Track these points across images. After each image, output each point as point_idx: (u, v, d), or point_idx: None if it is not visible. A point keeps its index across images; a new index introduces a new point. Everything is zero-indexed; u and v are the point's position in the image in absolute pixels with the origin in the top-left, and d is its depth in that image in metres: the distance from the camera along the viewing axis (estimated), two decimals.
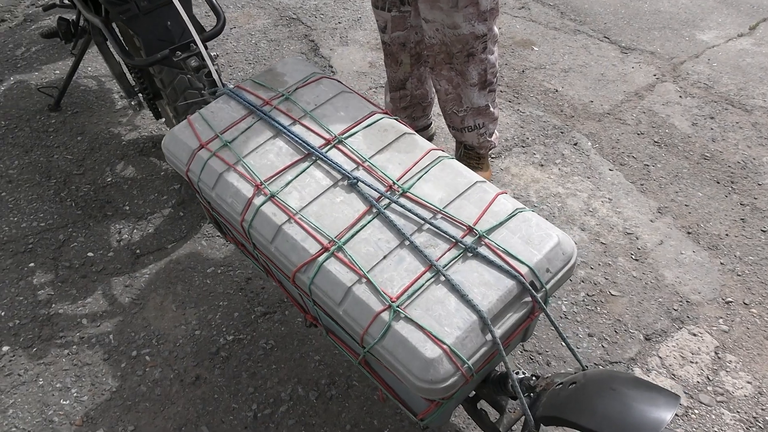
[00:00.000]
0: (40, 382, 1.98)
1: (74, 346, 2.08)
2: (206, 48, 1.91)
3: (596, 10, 3.82)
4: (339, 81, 1.84)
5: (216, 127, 1.73)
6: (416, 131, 2.78)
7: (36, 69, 3.42)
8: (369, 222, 1.49)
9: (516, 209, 1.48)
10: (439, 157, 1.61)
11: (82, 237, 2.47)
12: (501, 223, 1.46)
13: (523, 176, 2.73)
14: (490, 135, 2.64)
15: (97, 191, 2.67)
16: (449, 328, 1.31)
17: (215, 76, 1.89)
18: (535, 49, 3.51)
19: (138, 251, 2.41)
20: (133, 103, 2.65)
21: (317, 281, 1.44)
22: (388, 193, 1.54)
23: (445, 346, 1.29)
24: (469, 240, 1.43)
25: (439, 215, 1.49)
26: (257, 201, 1.57)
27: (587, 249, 2.40)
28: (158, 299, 2.22)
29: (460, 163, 1.61)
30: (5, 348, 2.09)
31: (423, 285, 1.37)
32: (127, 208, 2.60)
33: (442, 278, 1.38)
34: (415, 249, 1.43)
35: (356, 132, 1.68)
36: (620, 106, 3.10)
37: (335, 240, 1.46)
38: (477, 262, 1.40)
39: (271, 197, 1.56)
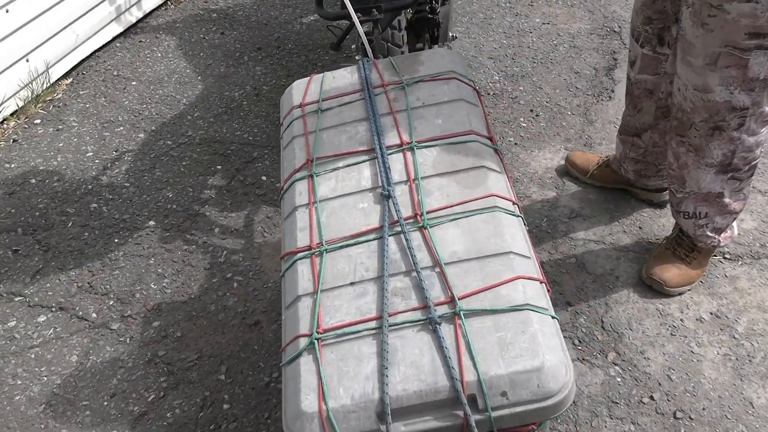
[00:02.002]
0: (150, 261, 2.26)
1: (193, 246, 2.32)
2: (373, 15, 1.86)
3: None
4: (473, 88, 1.62)
5: (324, 92, 1.69)
6: (644, 190, 2.36)
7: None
8: (366, 241, 1.31)
9: (525, 304, 1.15)
10: (494, 207, 1.32)
11: (268, 161, 2.69)
12: (491, 311, 1.15)
13: (749, 296, 2.08)
14: (716, 230, 2.06)
15: None
16: (344, 391, 1.10)
17: (365, 44, 1.83)
18: None
19: None
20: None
21: (287, 275, 1.34)
22: (408, 221, 1.32)
23: (324, 408, 1.09)
24: (440, 311, 1.16)
25: (437, 269, 1.23)
26: (298, 175, 1.50)
27: None
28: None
29: (512, 223, 1.30)
30: (151, 223, 2.42)
31: (358, 332, 1.17)
32: None
33: (382, 336, 1.15)
34: (381, 290, 1.21)
35: (435, 145, 1.47)
36: None
37: (323, 244, 1.33)
38: (429, 339, 1.14)
39: (310, 176, 1.48)
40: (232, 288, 2.18)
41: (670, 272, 2.11)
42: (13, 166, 2.71)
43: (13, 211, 2.49)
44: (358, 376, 1.11)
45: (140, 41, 3.55)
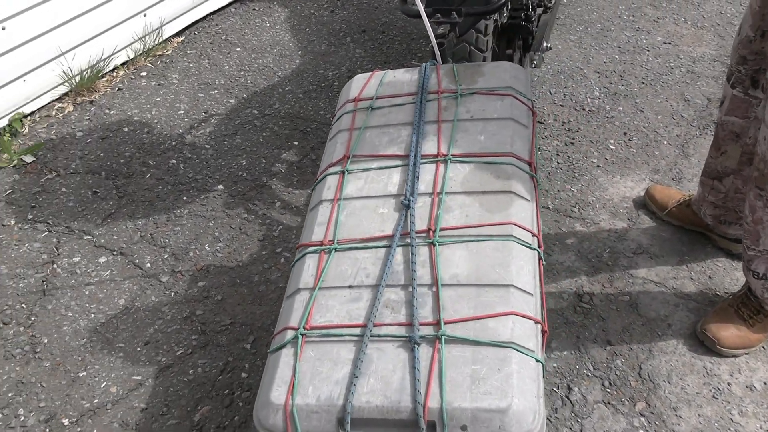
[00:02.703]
0: (210, 224, 2.38)
1: (253, 216, 2.42)
2: (452, 18, 1.85)
3: None
4: (529, 108, 1.58)
5: (380, 90, 1.71)
6: (722, 237, 2.21)
7: None
8: (375, 247, 1.33)
9: (509, 342, 1.13)
10: (509, 235, 1.29)
11: None
12: (473, 342, 1.13)
13: None
14: None
15: None
16: (312, 390, 1.13)
17: (434, 47, 1.82)
18: None
19: None
20: None
21: (296, 265, 1.39)
22: (421, 234, 1.32)
23: (290, 403, 1.13)
24: (423, 331, 1.16)
25: (434, 288, 1.23)
26: (332, 169, 1.54)
27: None
28: None
29: (524, 255, 1.27)
30: (220, 187, 2.55)
31: (341, 335, 1.20)
32: None
33: (362, 344, 1.17)
34: (375, 299, 1.23)
35: (470, 162, 1.45)
36: None
37: (335, 242, 1.35)
38: (405, 357, 1.14)
39: (342, 172, 1.51)
40: (279, 263, 2.26)
41: (728, 331, 1.97)
42: (112, 113, 2.93)
43: (101, 155, 2.70)
44: (329, 379, 1.14)
45: (254, 9, 3.70)
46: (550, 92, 3.10)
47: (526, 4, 2.40)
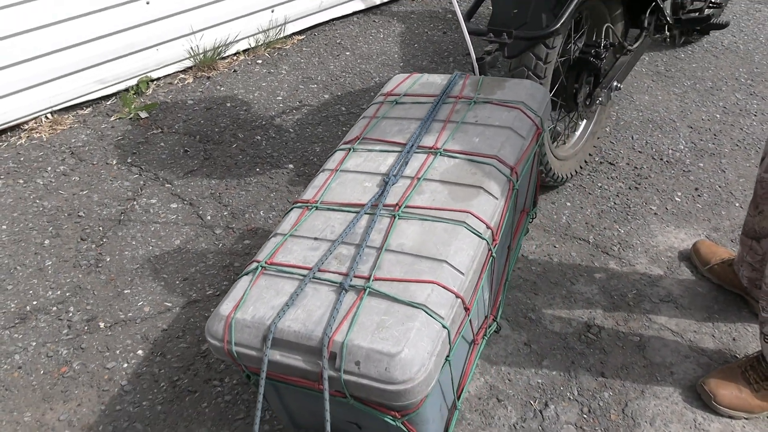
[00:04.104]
0: (272, 194, 2.66)
1: None
2: (502, 38, 2.00)
3: None
4: (534, 123, 1.71)
5: (410, 89, 1.90)
6: (757, 302, 2.16)
7: None
8: (348, 211, 1.52)
9: (421, 304, 1.27)
10: (462, 222, 1.43)
11: None
12: (391, 298, 1.29)
13: None
14: None
15: None
16: (252, 310, 1.34)
17: (473, 60, 1.98)
18: None
19: None
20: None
21: (285, 215, 1.60)
22: (388, 207, 1.50)
23: (231, 316, 1.34)
24: (354, 282, 1.34)
25: (378, 251, 1.40)
26: (343, 146, 1.75)
27: None
28: None
29: (469, 241, 1.40)
30: (290, 166, 2.83)
31: (291, 273, 1.40)
32: None
33: (305, 280, 1.36)
34: (328, 251, 1.41)
35: (457, 157, 1.61)
36: None
37: (318, 202, 1.56)
38: (332, 298, 1.32)
39: (349, 149, 1.71)
40: None
41: (727, 390, 1.92)
42: (222, 89, 3.33)
43: (201, 121, 3.09)
44: (267, 304, 1.34)
45: (373, 20, 4.01)
46: (632, 137, 3.11)
47: (597, 42, 2.48)
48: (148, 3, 3.09)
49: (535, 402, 1.96)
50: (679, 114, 3.26)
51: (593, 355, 2.08)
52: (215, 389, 1.91)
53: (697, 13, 3.04)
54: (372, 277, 1.33)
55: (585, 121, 2.88)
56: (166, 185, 2.70)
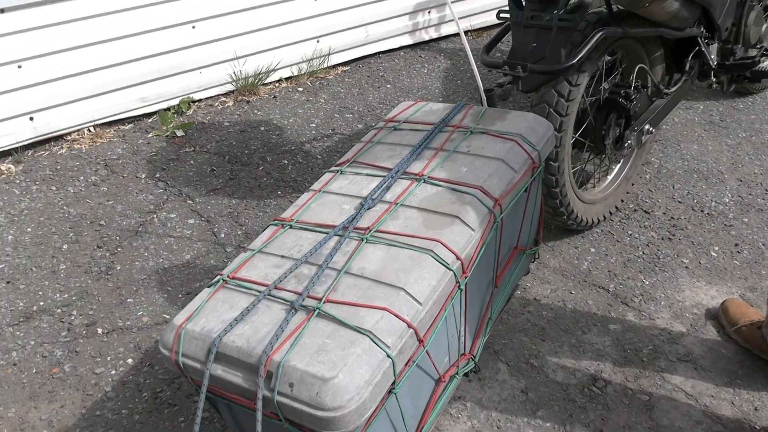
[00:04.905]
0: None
1: None
2: (516, 71, 1.97)
3: None
4: (530, 156, 1.65)
5: (411, 116, 1.88)
6: None
7: None
8: (319, 232, 1.50)
9: (368, 331, 1.22)
10: (430, 250, 1.38)
11: None
12: (338, 322, 1.25)
13: None
14: None
15: None
16: (203, 322, 1.33)
17: (481, 91, 1.94)
18: None
19: None
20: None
21: (266, 228, 1.59)
22: (359, 230, 1.46)
23: (183, 326, 1.33)
24: (307, 302, 1.30)
25: (339, 273, 1.36)
26: (333, 168, 1.73)
27: None
28: None
29: (433, 270, 1.35)
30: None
31: (248, 289, 1.38)
32: None
33: (260, 296, 1.34)
34: (289, 269, 1.39)
35: (440, 185, 1.56)
36: None
37: (294, 221, 1.54)
38: (281, 317, 1.29)
39: (337, 171, 1.69)
40: None
41: None
42: (258, 113, 3.40)
43: (233, 143, 3.15)
44: (219, 317, 1.32)
45: (420, 56, 4.03)
46: (672, 186, 2.96)
47: (628, 83, 2.39)
48: (194, 27, 3.21)
49: None
50: (728, 166, 3.10)
51: (594, 411, 1.95)
52: (194, 404, 1.90)
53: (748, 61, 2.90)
54: (324, 299, 1.29)
55: (619, 165, 2.77)
56: (188, 201, 2.76)
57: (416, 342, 1.27)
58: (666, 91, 2.60)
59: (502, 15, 2.22)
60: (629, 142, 2.48)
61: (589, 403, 1.97)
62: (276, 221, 1.57)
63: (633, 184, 2.82)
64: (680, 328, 2.21)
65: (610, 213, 2.71)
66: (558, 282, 2.40)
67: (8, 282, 2.34)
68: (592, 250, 2.58)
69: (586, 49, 2.00)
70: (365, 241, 1.42)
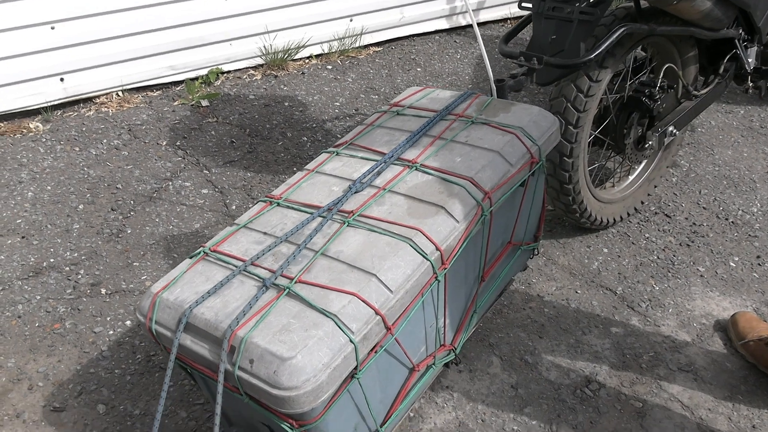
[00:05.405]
0: None
1: None
2: (531, 63, 1.93)
3: None
4: (528, 151, 1.61)
5: (416, 102, 1.85)
6: None
7: None
8: (304, 211, 1.50)
9: (333, 314, 1.22)
10: (408, 239, 1.37)
11: None
12: (306, 302, 1.25)
13: None
14: None
15: None
16: (179, 291, 1.35)
17: (491, 81, 1.90)
18: None
19: None
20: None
21: (255, 204, 1.60)
22: (342, 213, 1.46)
23: (158, 294, 1.35)
24: (279, 281, 1.31)
25: (315, 254, 1.36)
26: (330, 149, 1.73)
27: None
28: None
29: (409, 259, 1.34)
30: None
31: (226, 263, 1.40)
32: None
33: (235, 272, 1.35)
34: (268, 247, 1.40)
35: (430, 174, 1.54)
36: None
37: (282, 199, 1.55)
38: (253, 293, 1.30)
39: (333, 152, 1.69)
40: None
41: None
42: (285, 88, 3.41)
43: (256, 116, 3.17)
44: (193, 289, 1.34)
45: (455, 41, 3.97)
46: (699, 192, 2.87)
47: (653, 83, 2.31)
48: (226, 0, 3.22)
49: None
50: (762, 174, 2.98)
51: (584, 413, 1.91)
52: (183, 371, 1.94)
53: None
54: (296, 279, 1.29)
55: (641, 165, 2.69)
56: (204, 171, 2.79)
57: (383, 329, 1.27)
58: (695, 93, 2.50)
59: (524, 5, 2.16)
60: (650, 143, 2.40)
61: (579, 404, 1.94)
62: (266, 198, 1.58)
63: (656, 187, 2.74)
64: (685, 338, 2.15)
65: (629, 214, 2.64)
66: (565, 280, 2.36)
67: (23, 237, 2.41)
68: (605, 250, 2.53)
69: (606, 44, 1.93)
70: (347, 224, 1.41)
